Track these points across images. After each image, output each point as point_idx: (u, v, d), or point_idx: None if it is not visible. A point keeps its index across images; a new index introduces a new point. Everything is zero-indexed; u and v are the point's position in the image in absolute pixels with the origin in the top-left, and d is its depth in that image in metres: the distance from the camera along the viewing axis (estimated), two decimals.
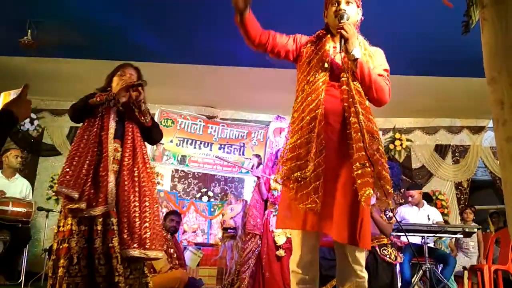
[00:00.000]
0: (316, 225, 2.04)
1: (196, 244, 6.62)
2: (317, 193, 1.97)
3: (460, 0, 1.93)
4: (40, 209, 5.77)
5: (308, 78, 2.15)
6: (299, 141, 2.04)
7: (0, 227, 4.88)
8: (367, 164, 1.95)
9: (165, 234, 4.58)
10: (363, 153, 1.96)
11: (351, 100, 2.04)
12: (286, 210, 2.14)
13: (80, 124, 2.98)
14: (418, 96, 6.72)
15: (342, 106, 2.07)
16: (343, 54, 2.09)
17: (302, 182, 1.99)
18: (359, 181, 1.94)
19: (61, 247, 2.66)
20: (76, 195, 2.65)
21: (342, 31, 2.06)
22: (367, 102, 2.12)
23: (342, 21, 2.10)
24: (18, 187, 5.36)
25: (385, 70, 2.23)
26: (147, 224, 2.77)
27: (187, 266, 5.48)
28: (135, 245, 2.70)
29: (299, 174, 1.99)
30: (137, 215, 2.76)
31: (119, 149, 2.89)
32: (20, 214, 4.89)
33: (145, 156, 2.98)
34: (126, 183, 2.80)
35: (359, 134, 1.98)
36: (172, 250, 4.46)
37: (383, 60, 2.26)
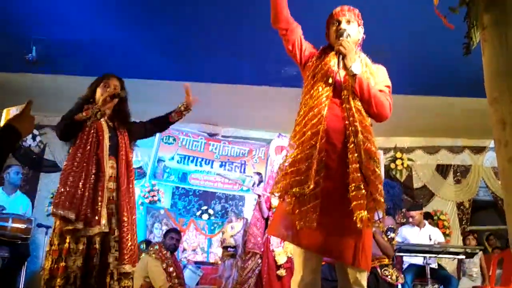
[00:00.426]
0: (314, 245, 2.03)
1: (195, 262, 6.55)
2: (315, 212, 1.96)
3: (462, 20, 1.95)
4: (39, 225, 5.73)
5: (311, 92, 2.15)
6: (299, 156, 2.03)
7: None
8: (362, 186, 1.94)
9: (164, 252, 4.55)
10: (359, 174, 1.95)
11: (351, 118, 2.04)
12: (281, 221, 2.13)
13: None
14: (419, 116, 6.73)
15: (344, 124, 2.07)
16: (343, 71, 2.11)
17: (301, 199, 1.98)
18: (353, 203, 1.94)
19: (55, 266, 2.62)
20: (73, 216, 2.62)
21: (340, 47, 2.08)
22: (368, 121, 2.12)
23: (341, 38, 2.12)
24: (18, 203, 5.34)
25: (387, 86, 2.24)
26: (135, 241, 2.83)
27: (187, 285, 5.42)
28: (127, 260, 2.73)
29: (297, 189, 1.98)
30: (131, 232, 2.79)
31: (115, 166, 2.88)
32: (19, 231, 4.86)
33: (132, 172, 3.00)
34: (123, 199, 2.81)
35: (355, 154, 1.97)
36: (171, 269, 4.42)
37: (385, 77, 2.27)
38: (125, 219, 2.77)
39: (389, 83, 2.26)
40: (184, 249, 6.81)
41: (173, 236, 4.91)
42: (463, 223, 7.34)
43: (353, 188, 1.95)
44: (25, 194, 5.94)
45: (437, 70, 5.24)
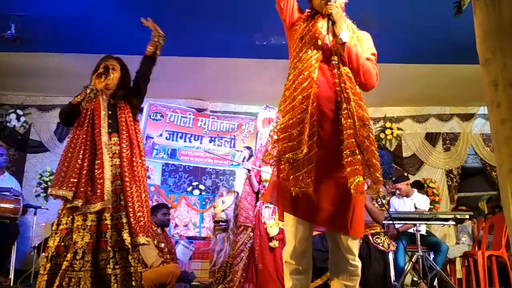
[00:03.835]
0: (306, 213, 2.02)
1: (188, 237, 6.58)
2: (310, 176, 1.92)
3: None
4: (28, 206, 5.68)
5: (300, 55, 2.09)
6: (291, 121, 1.97)
7: None
8: (357, 152, 1.91)
9: (155, 228, 4.53)
10: (353, 140, 1.92)
11: (342, 85, 2.00)
12: (275, 188, 2.11)
13: None
14: (408, 85, 6.71)
15: (334, 91, 2.03)
16: (331, 37, 2.06)
17: (295, 164, 1.94)
18: (348, 169, 1.91)
19: (62, 244, 2.67)
20: (69, 194, 2.67)
21: (332, 12, 2.03)
22: (357, 88, 2.08)
23: (329, 3, 2.06)
24: (6, 184, 5.28)
25: (373, 54, 2.20)
26: (145, 213, 2.86)
27: (179, 260, 5.44)
28: (141, 233, 2.78)
29: (291, 155, 1.93)
30: (138, 204, 2.82)
31: (118, 142, 2.91)
32: (7, 211, 4.82)
33: (141, 145, 3.01)
34: (127, 174, 2.84)
35: (349, 120, 1.94)
36: (163, 245, 4.41)
37: (371, 44, 2.23)
38: (129, 193, 2.80)
39: (374, 50, 2.22)
40: (176, 225, 6.82)
41: (166, 212, 4.87)
42: (452, 190, 7.42)
43: (348, 153, 1.91)
44: (12, 175, 5.87)
45: (424, 37, 5.19)
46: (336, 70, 2.03)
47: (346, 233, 2.01)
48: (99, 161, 2.79)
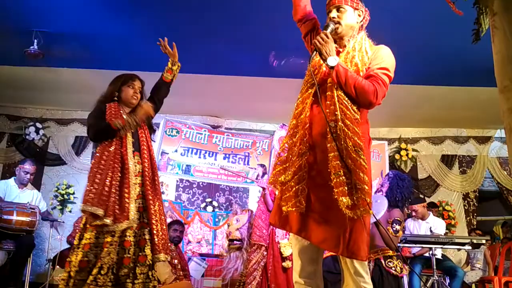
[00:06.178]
0: (302, 232, 2.06)
1: (200, 254, 6.56)
2: (298, 196, 2.01)
3: (469, 8, 1.90)
4: (44, 219, 5.74)
5: (304, 80, 2.21)
6: (285, 145, 2.13)
7: (4, 237, 4.85)
8: (341, 173, 1.93)
9: (170, 244, 4.55)
10: (338, 162, 1.95)
11: (332, 107, 2.03)
12: (276, 209, 2.17)
13: None
14: (424, 106, 6.68)
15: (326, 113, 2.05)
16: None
17: (287, 185, 2.05)
18: (335, 190, 1.93)
19: (85, 259, 2.71)
20: (101, 212, 2.72)
21: (316, 40, 2.08)
22: (352, 111, 2.03)
23: (323, 31, 2.13)
24: (28, 197, 5.35)
25: (381, 68, 2.09)
26: (166, 231, 2.96)
27: (192, 277, 5.42)
28: (163, 251, 2.86)
29: (282, 178, 2.07)
30: (161, 222, 2.91)
31: (140, 161, 2.99)
32: (24, 224, 4.86)
33: (156, 164, 3.10)
34: (149, 192, 2.91)
35: (333, 143, 1.97)
36: (176, 261, 4.42)
37: (382, 59, 2.13)
38: (152, 211, 2.89)
39: (385, 65, 2.10)
40: (189, 242, 6.81)
41: (177, 228, 4.89)
42: (470, 214, 7.30)
43: (333, 176, 1.95)
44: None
45: (441, 59, 5.19)
46: (329, 93, 2.06)
47: (343, 254, 1.99)
48: (126, 180, 2.86)
